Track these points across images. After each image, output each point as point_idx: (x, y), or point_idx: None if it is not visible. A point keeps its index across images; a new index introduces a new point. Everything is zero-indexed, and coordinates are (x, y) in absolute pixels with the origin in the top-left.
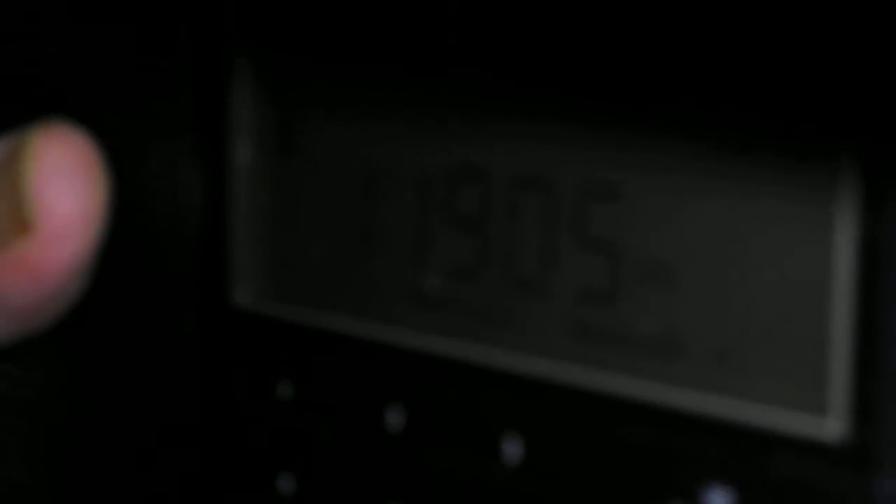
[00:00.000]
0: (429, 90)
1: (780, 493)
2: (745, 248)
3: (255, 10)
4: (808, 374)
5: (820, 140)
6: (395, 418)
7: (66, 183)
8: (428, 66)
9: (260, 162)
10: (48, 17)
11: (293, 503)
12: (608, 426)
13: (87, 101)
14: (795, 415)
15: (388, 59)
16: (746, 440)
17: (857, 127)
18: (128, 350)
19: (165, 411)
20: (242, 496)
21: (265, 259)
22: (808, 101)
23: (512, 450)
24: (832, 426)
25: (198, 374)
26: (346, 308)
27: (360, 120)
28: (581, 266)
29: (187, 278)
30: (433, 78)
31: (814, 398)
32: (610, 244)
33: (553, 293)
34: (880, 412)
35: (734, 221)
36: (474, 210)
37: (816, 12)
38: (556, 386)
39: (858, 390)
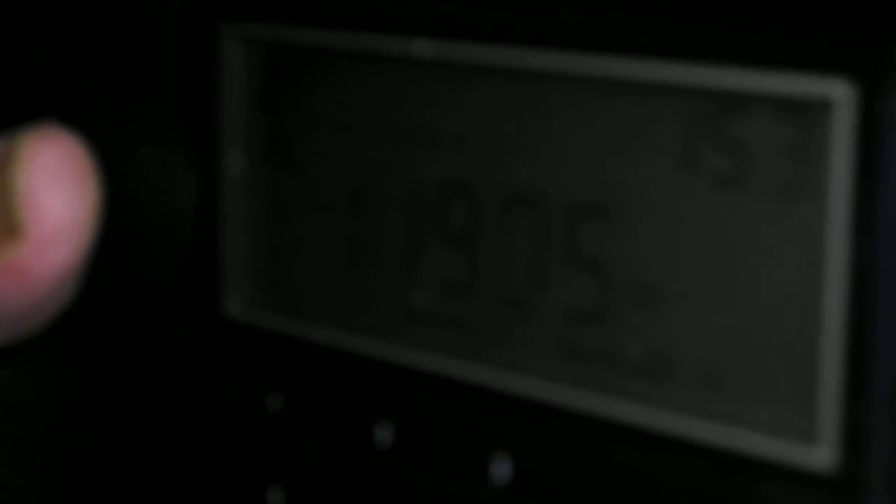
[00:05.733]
0: (422, 105)
1: None
2: (735, 271)
3: (249, 20)
4: (797, 401)
5: (810, 161)
6: (383, 434)
7: (57, 187)
8: (421, 80)
9: (252, 171)
10: (38, 20)
11: None
12: (596, 447)
13: (78, 105)
14: (784, 442)
15: (382, 72)
16: (734, 466)
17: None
18: (118, 357)
19: (155, 419)
20: None
21: (256, 269)
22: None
23: (500, 469)
24: (822, 454)
25: (187, 382)
26: (336, 321)
27: (353, 132)
28: (571, 285)
29: (178, 287)
30: (427, 92)
31: (803, 426)
32: (599, 264)
33: (543, 312)
34: (870, 441)
35: (724, 244)
36: (465, 226)
37: None
38: (545, 406)
39: (848, 419)
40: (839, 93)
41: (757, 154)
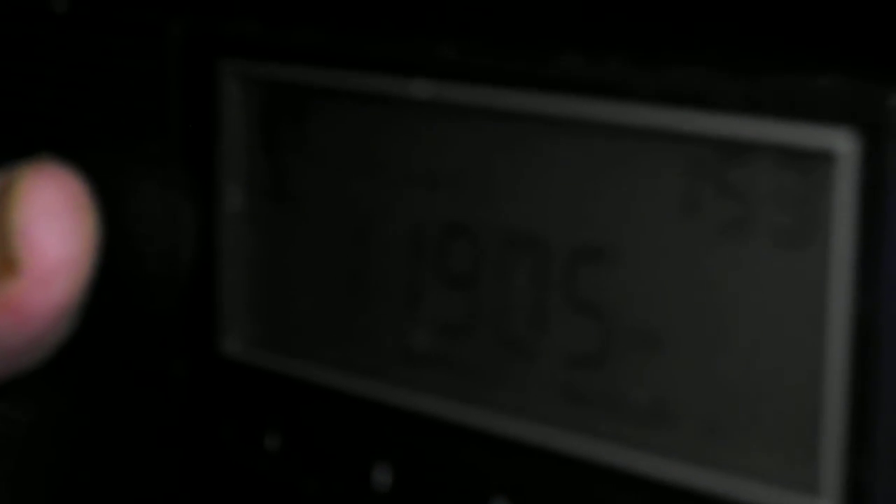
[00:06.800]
0: (422, 146)
1: None
2: (736, 319)
3: (249, 57)
4: (799, 451)
5: (813, 211)
6: (382, 476)
7: (55, 224)
8: (420, 121)
9: (251, 208)
10: (38, 55)
11: None
12: (595, 493)
13: (77, 141)
14: (786, 493)
15: (381, 112)
16: None
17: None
18: (115, 393)
19: (152, 457)
20: None
21: (255, 307)
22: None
23: None
24: None
25: (186, 421)
26: (335, 361)
27: (352, 171)
28: (571, 329)
29: (176, 324)
30: (426, 134)
31: (805, 476)
32: (600, 308)
33: (542, 355)
34: (872, 493)
35: (725, 292)
36: (465, 268)
37: None
38: (544, 450)
39: (851, 470)
40: (843, 144)
41: (759, 202)
